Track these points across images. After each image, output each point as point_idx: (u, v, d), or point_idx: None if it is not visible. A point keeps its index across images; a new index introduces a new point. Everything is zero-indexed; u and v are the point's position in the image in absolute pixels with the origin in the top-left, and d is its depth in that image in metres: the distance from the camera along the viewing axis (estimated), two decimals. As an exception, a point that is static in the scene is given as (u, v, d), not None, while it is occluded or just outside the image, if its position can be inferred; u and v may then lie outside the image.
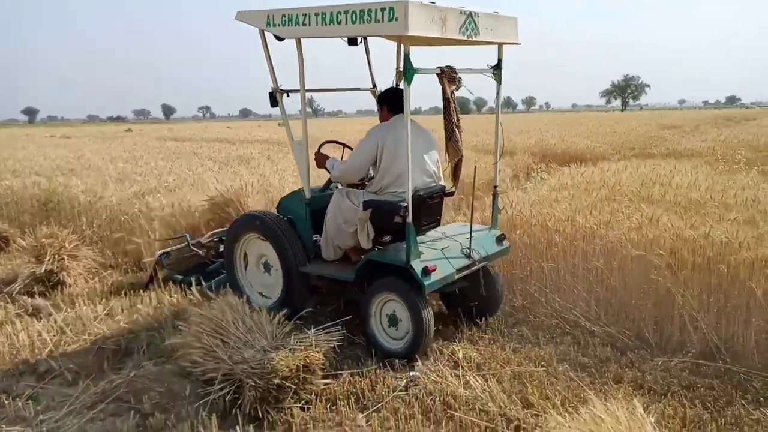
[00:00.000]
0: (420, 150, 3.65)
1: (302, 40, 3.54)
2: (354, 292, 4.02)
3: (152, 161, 10.27)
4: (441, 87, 3.36)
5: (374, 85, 4.51)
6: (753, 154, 10.26)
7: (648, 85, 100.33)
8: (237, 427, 2.79)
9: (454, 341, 3.76)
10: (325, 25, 3.24)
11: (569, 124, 25.43)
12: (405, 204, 3.30)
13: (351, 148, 4.15)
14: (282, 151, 12.57)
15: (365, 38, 4.12)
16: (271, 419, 2.90)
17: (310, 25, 3.32)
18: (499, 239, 4.01)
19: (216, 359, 3.04)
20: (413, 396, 3.07)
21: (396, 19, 2.92)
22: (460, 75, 3.38)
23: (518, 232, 4.65)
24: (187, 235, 5.10)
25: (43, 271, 4.85)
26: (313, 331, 3.23)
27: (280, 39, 3.58)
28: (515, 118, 44.25)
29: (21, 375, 3.46)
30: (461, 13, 3.23)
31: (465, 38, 3.30)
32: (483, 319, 4.01)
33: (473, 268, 3.69)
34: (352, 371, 3.32)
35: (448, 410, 2.92)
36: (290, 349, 3.04)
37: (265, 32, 3.64)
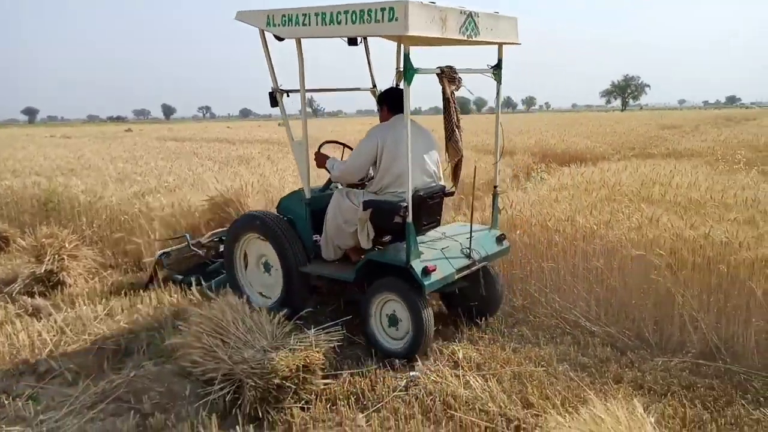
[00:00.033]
0: (420, 150, 3.65)
1: (302, 40, 3.54)
2: (354, 292, 4.02)
3: (152, 161, 10.27)
4: (441, 87, 3.36)
5: (374, 85, 4.51)
6: (753, 154, 10.26)
7: (648, 85, 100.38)
8: (237, 427, 2.79)
9: (454, 341, 3.76)
10: (325, 25, 3.24)
11: (569, 124, 25.44)
12: (405, 204, 3.30)
13: (351, 148, 4.15)
14: (282, 151, 12.57)
15: (365, 38, 4.12)
16: (271, 419, 2.90)
17: (310, 25, 3.32)
18: (499, 239, 4.01)
19: (216, 359, 3.04)
20: (413, 396, 3.07)
21: (396, 19, 2.92)
22: (460, 75, 3.38)
23: (518, 232, 4.65)
24: (187, 235, 5.10)
25: (43, 271, 4.85)
26: (313, 331, 3.23)
27: (280, 39, 3.57)
28: (515, 118, 44.26)
29: (21, 375, 3.46)
30: (461, 13, 3.23)
31: (465, 38, 3.29)
32: (483, 319, 4.01)
33: (473, 268, 3.69)
34: (352, 371, 3.32)
35: (448, 410, 2.92)
36: (290, 349, 3.04)
37: (265, 32, 3.64)
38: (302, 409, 2.97)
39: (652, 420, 2.37)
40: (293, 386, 2.97)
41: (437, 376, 3.24)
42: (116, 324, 4.06)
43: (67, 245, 5.13)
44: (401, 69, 3.25)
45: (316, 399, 3.04)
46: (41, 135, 28.18)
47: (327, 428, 2.85)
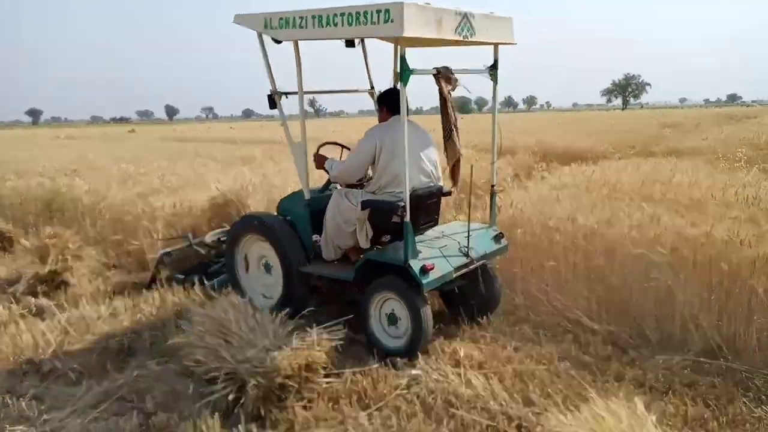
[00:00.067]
0: (418, 150, 3.67)
1: (303, 42, 3.56)
2: (354, 292, 4.04)
3: (155, 162, 10.29)
4: (438, 87, 3.39)
5: (372, 87, 4.54)
6: (754, 152, 10.21)
7: (649, 84, 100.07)
8: (239, 426, 2.80)
9: (456, 340, 3.77)
10: (322, 27, 3.27)
11: (570, 123, 25.39)
12: (402, 204, 3.32)
13: (349, 149, 4.20)
14: (284, 152, 12.57)
15: (362, 40, 4.14)
16: (273, 418, 2.91)
17: (306, 27, 3.34)
18: (497, 237, 4.03)
19: (219, 358, 3.05)
20: (415, 394, 3.08)
21: (392, 21, 2.95)
22: (456, 75, 3.40)
23: (519, 230, 4.65)
24: (189, 235, 5.13)
25: (46, 271, 4.88)
26: (315, 330, 3.24)
27: (278, 42, 3.61)
28: (516, 117, 44.18)
29: (25, 375, 3.48)
30: (457, 14, 3.26)
31: (461, 39, 3.33)
32: (484, 317, 4.02)
33: (471, 267, 3.71)
34: (354, 370, 3.33)
35: (449, 409, 2.93)
36: (293, 348, 3.06)
37: (263, 35, 3.67)
38: (304, 407, 2.98)
39: (654, 418, 2.38)
40: (295, 385, 2.99)
41: (439, 374, 3.25)
42: (119, 324, 4.08)
43: (70, 246, 5.16)
44: (399, 70, 3.27)
45: (318, 398, 3.05)
46: (45, 136, 28.25)
47: (329, 427, 2.86)
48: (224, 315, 3.28)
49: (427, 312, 3.43)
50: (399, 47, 3.14)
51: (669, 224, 4.11)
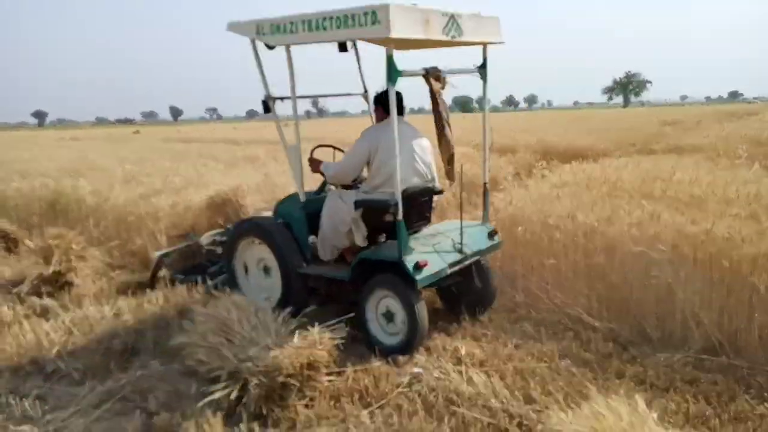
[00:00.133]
0: (411, 151, 3.74)
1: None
2: (351, 292, 4.07)
3: (159, 162, 10.30)
4: (428, 87, 3.44)
5: (366, 90, 4.58)
6: (755, 149, 10.15)
7: (649, 81, 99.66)
8: (242, 424, 2.82)
9: (457, 338, 3.78)
10: (312, 31, 3.31)
11: (571, 121, 25.31)
12: (395, 202, 3.35)
13: (342, 151, 4.28)
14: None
15: (355, 44, 4.19)
16: (275, 417, 2.93)
17: (297, 32, 3.39)
18: (491, 234, 4.07)
19: (221, 357, 3.07)
20: (416, 392, 3.10)
21: (378, 22, 2.99)
22: (445, 75, 3.46)
23: (520, 228, 4.66)
24: (191, 234, 5.16)
25: (50, 271, 4.89)
26: (317, 328, 3.25)
27: (270, 47, 3.66)
28: (517, 116, 44.07)
29: (29, 375, 3.51)
30: (443, 14, 3.30)
31: (449, 39, 3.37)
32: (485, 315, 4.05)
33: (465, 263, 3.75)
34: (355, 368, 3.35)
35: (450, 406, 2.95)
36: (295, 347, 3.07)
37: (255, 41, 3.72)
38: (306, 406, 3.00)
39: (655, 416, 2.38)
40: (297, 384, 3.01)
41: (440, 372, 3.26)
42: (123, 324, 4.09)
43: (74, 246, 5.18)
44: (387, 71, 3.31)
45: (320, 396, 3.07)
46: (51, 138, 28.28)
47: (331, 425, 2.87)
48: (226, 314, 3.30)
49: (422, 308, 3.47)
50: (387, 48, 3.17)
51: (669, 221, 4.11)
